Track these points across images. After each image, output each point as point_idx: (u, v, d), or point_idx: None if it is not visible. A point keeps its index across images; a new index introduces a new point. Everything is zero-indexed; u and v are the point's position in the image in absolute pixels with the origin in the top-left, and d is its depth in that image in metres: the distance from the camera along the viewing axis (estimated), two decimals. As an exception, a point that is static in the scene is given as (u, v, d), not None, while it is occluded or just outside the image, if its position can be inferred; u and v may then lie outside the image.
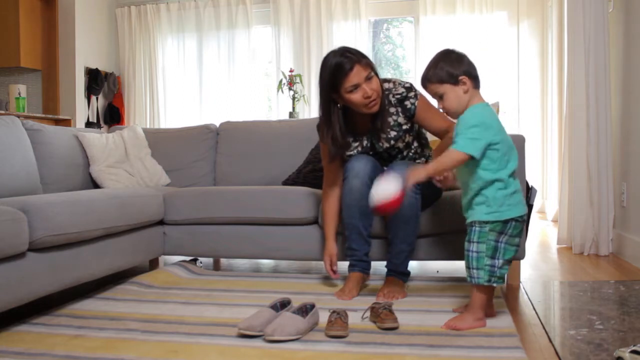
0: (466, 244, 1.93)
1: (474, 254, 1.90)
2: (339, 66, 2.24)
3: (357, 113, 2.38)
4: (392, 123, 2.41)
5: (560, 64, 4.64)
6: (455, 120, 2.04)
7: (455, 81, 1.91)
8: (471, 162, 1.87)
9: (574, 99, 3.43)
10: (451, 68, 1.92)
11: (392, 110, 2.41)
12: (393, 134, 2.42)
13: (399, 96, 2.40)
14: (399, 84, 2.42)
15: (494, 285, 1.91)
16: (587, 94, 3.37)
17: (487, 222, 1.88)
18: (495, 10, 5.56)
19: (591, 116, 3.35)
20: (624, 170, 3.27)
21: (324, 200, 2.54)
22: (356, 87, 2.24)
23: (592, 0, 3.34)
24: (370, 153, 2.46)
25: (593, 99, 3.35)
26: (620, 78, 3.33)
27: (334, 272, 2.47)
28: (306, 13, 5.82)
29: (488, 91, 5.41)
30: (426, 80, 1.97)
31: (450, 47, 2.00)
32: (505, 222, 1.88)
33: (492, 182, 1.87)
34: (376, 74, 2.32)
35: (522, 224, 1.94)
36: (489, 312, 1.98)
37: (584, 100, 3.38)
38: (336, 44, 5.66)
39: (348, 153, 2.48)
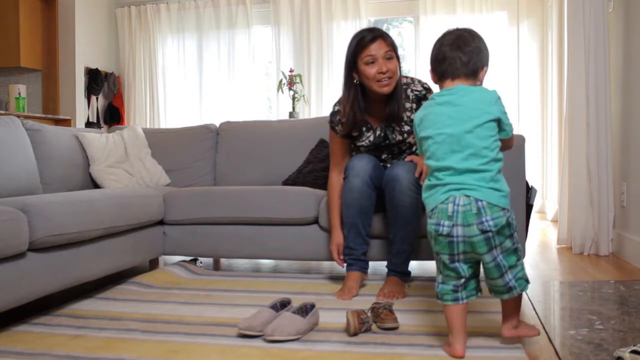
0: None
1: None
2: (362, 36, 2.32)
3: (373, 101, 2.41)
4: (405, 118, 2.44)
5: (560, 64, 4.64)
6: None
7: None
8: None
9: (574, 99, 3.43)
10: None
11: (408, 105, 2.44)
12: (407, 128, 2.45)
13: (417, 93, 2.44)
14: (419, 82, 2.49)
15: (440, 302, 1.66)
16: (587, 94, 3.37)
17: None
18: (495, 10, 5.56)
19: (591, 116, 3.35)
20: (624, 170, 3.27)
21: (330, 189, 2.53)
22: (373, 60, 2.29)
23: (592, 0, 3.34)
24: (384, 143, 2.47)
25: (593, 99, 3.34)
26: (620, 78, 3.33)
27: (343, 260, 2.47)
28: (306, 13, 5.82)
29: (488, 91, 5.43)
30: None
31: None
32: (432, 236, 1.65)
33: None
34: (398, 59, 2.37)
35: (444, 241, 1.61)
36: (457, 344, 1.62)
37: (584, 100, 3.37)
38: (336, 44, 5.76)
39: (359, 143, 2.49)
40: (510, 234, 1.61)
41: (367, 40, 2.30)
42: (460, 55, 1.67)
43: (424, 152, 1.71)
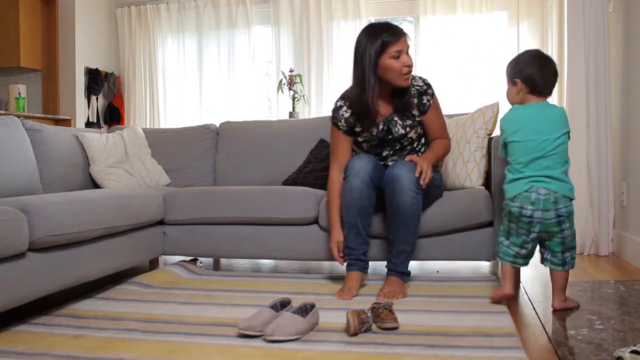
0: None
1: None
2: (390, 33, 2.36)
3: (379, 96, 2.43)
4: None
5: (561, 64, 4.63)
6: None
7: (511, 81, 2.20)
8: None
9: (574, 99, 3.43)
10: (511, 68, 2.23)
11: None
12: (409, 122, 2.48)
13: (419, 88, 2.49)
14: (419, 78, 2.53)
15: (499, 260, 2.21)
16: (587, 94, 3.37)
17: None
18: (495, 10, 5.55)
19: (591, 116, 3.35)
20: (624, 170, 3.27)
21: (330, 187, 2.53)
22: (399, 54, 2.35)
23: (592, 0, 3.34)
24: (387, 138, 2.49)
25: (593, 99, 3.35)
26: (620, 78, 3.33)
27: (343, 258, 2.47)
28: (306, 13, 5.82)
29: (488, 91, 5.43)
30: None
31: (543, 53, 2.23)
32: (514, 216, 2.08)
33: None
34: None
35: (525, 221, 2.05)
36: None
37: (584, 100, 3.38)
38: (336, 44, 5.76)
39: (361, 139, 2.51)
40: (572, 221, 2.06)
41: (394, 36, 2.36)
42: (555, 82, 2.15)
43: (508, 151, 2.13)
